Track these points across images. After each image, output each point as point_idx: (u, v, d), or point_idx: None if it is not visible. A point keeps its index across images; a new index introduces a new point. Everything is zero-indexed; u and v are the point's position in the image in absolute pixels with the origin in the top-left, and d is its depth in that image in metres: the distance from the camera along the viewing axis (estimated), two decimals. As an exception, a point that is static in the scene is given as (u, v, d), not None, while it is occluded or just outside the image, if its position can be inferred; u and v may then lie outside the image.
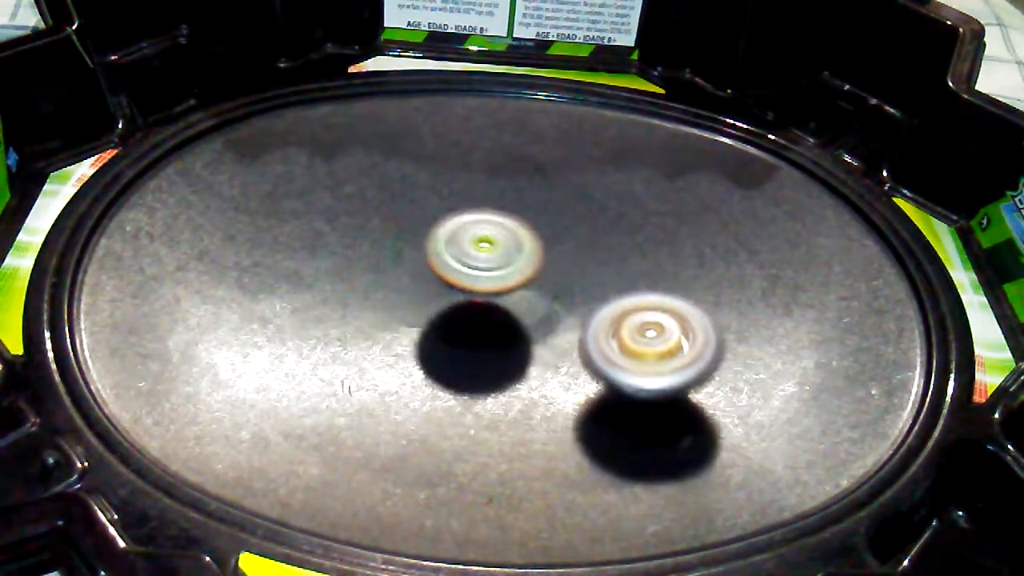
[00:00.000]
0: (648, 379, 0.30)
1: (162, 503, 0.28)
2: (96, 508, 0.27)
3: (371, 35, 0.48)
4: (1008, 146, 0.39)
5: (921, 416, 0.33)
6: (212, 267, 0.37)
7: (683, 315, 0.31)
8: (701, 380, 0.30)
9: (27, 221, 0.37)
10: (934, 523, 0.30)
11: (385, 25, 0.48)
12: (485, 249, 0.33)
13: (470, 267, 0.33)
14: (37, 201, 0.38)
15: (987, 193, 0.40)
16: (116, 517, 0.27)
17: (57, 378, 0.31)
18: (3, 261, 0.35)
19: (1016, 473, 0.30)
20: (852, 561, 0.28)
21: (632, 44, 0.48)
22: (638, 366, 0.30)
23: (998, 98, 0.40)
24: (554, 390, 0.34)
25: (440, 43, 0.48)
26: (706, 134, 0.45)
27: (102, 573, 0.25)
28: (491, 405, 0.33)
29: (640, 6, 0.47)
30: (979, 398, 0.33)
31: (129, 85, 0.43)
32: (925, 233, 0.40)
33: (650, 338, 0.30)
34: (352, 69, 0.47)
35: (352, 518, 0.29)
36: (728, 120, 0.45)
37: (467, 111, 0.45)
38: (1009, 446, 0.30)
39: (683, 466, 0.32)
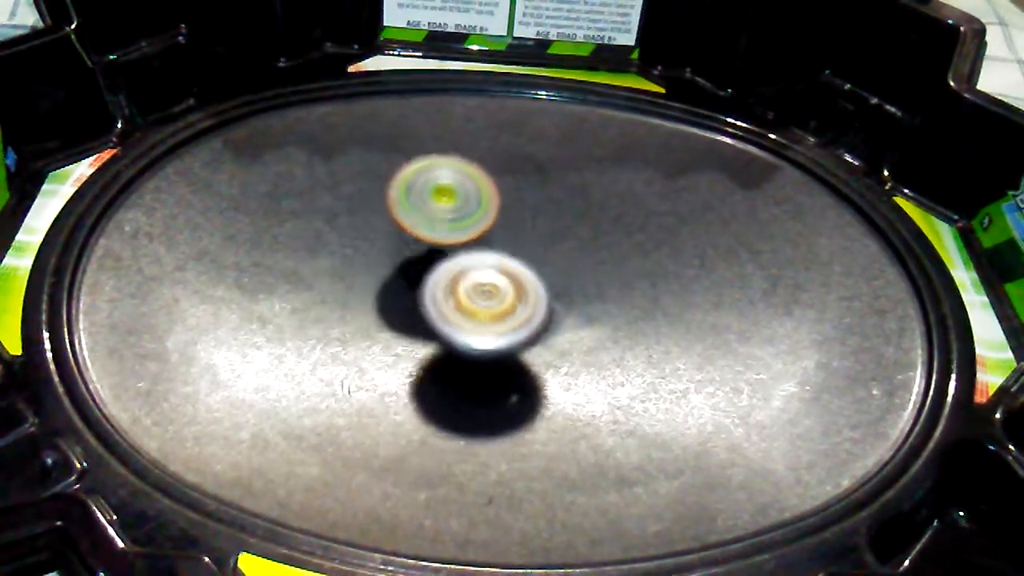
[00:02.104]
0: (480, 338, 0.31)
1: (161, 503, 0.28)
2: (95, 508, 0.27)
3: (371, 34, 0.48)
4: (1009, 145, 0.39)
5: (922, 416, 0.33)
6: (211, 267, 0.37)
7: (518, 278, 0.32)
8: (531, 342, 0.32)
9: (26, 221, 0.37)
10: (935, 523, 0.30)
11: (385, 24, 0.48)
12: (444, 200, 0.34)
13: (429, 218, 0.34)
14: (36, 201, 0.38)
15: (988, 192, 0.40)
16: (115, 517, 0.27)
17: (56, 378, 0.31)
18: (2, 261, 0.35)
19: (1017, 473, 0.30)
20: (853, 561, 0.28)
21: (632, 43, 0.48)
22: (472, 325, 0.31)
23: (999, 97, 0.40)
24: (554, 390, 0.34)
25: (440, 42, 0.48)
26: (707, 134, 0.45)
27: (101, 573, 0.25)
28: (491, 405, 0.33)
29: (640, 5, 0.47)
30: (980, 398, 0.33)
31: (128, 85, 0.43)
32: (926, 233, 0.40)
33: (485, 298, 0.31)
34: (351, 69, 0.47)
35: (351, 518, 0.29)
36: (729, 119, 0.45)
37: (467, 111, 0.45)
38: (1010, 446, 0.30)
39: (682, 466, 0.32)
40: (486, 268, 0.32)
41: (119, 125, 0.41)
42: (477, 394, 0.34)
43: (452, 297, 0.31)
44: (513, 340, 0.31)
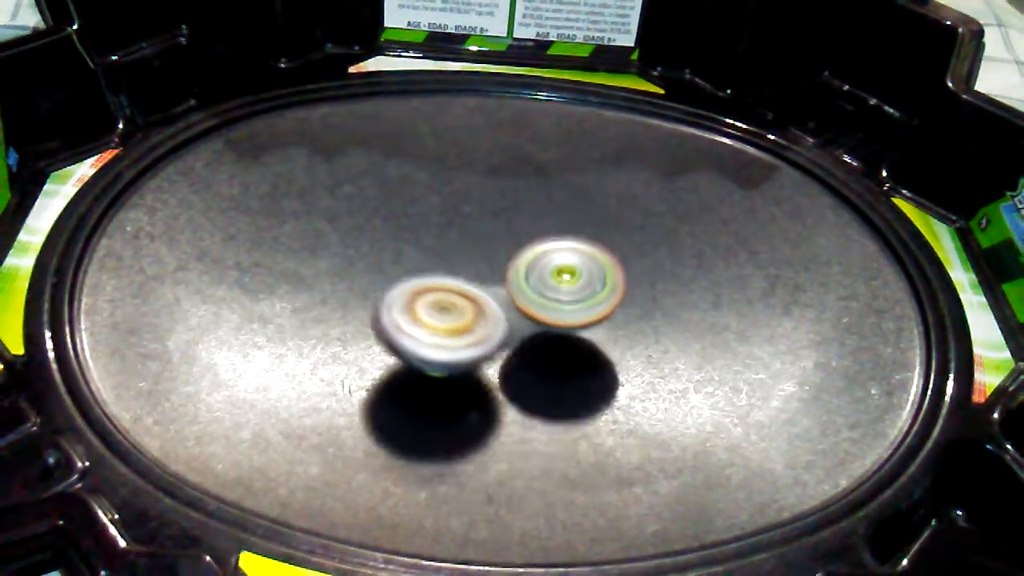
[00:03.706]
0: (437, 351, 0.30)
1: (162, 503, 0.28)
2: (97, 508, 0.27)
3: (371, 35, 0.48)
4: (1007, 146, 0.39)
5: (920, 416, 0.33)
6: (212, 267, 0.37)
7: (476, 299, 0.32)
8: (488, 358, 0.31)
9: (27, 221, 0.37)
10: (933, 523, 0.30)
11: (385, 25, 0.48)
12: (567, 281, 0.33)
13: (552, 300, 0.32)
14: (37, 201, 0.38)
15: (986, 193, 0.40)
16: (116, 516, 0.27)
17: (58, 378, 0.31)
18: (3, 261, 0.35)
19: (1015, 473, 0.30)
20: (851, 561, 0.28)
21: (632, 44, 0.48)
22: (429, 338, 0.30)
23: (997, 98, 0.40)
24: (555, 388, 0.34)
25: (440, 43, 0.48)
26: (706, 134, 0.45)
27: (103, 572, 0.25)
28: (490, 404, 0.33)
29: (640, 6, 0.47)
30: (978, 398, 0.33)
31: (129, 85, 0.43)
32: (924, 233, 0.40)
33: (443, 315, 0.31)
34: (352, 69, 0.47)
35: (352, 517, 0.29)
36: (728, 120, 0.45)
37: (467, 111, 0.45)
38: (1008, 446, 0.31)
39: (682, 466, 0.32)
40: (445, 289, 0.32)
41: (120, 125, 0.42)
42: (478, 391, 0.34)
43: (409, 313, 0.31)
44: (473, 354, 0.30)
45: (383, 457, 0.31)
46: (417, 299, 0.31)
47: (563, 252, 0.33)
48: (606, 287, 0.32)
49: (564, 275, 0.33)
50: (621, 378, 0.34)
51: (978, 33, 0.43)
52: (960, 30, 0.42)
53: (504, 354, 0.33)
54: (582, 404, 0.34)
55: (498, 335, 0.31)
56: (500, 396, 0.33)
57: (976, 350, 0.35)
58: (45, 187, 0.38)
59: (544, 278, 0.33)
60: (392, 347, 0.31)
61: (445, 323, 0.31)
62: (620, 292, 0.33)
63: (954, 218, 0.41)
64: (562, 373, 0.35)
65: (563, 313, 0.32)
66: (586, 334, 0.35)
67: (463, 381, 0.34)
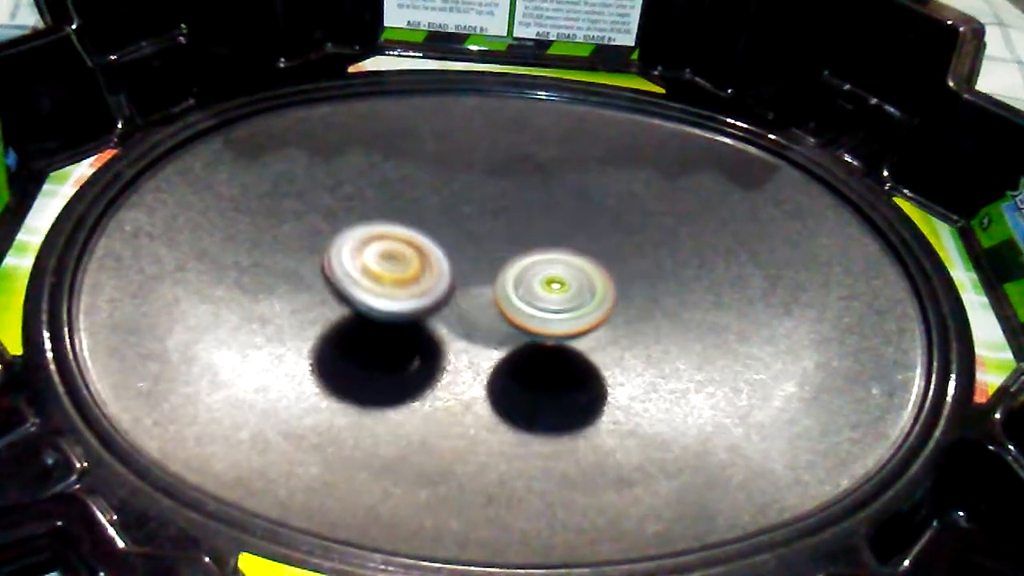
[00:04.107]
0: (382, 300, 0.31)
1: (161, 503, 0.28)
2: (95, 508, 0.27)
3: (371, 35, 0.48)
4: (1008, 146, 0.39)
5: (922, 416, 0.33)
6: (212, 267, 0.37)
7: (423, 250, 0.33)
8: (430, 310, 0.32)
9: (26, 221, 0.37)
10: (935, 524, 0.30)
11: (385, 25, 0.48)
12: (556, 291, 0.32)
13: (540, 309, 0.32)
14: (36, 201, 0.38)
15: (988, 193, 0.40)
16: (115, 517, 0.27)
17: (56, 378, 0.31)
18: (2, 261, 0.35)
19: (1017, 473, 0.30)
20: (852, 561, 0.28)
21: (632, 44, 0.48)
22: (376, 287, 0.31)
23: (998, 97, 0.40)
24: (554, 390, 0.34)
25: (440, 43, 0.48)
26: (706, 134, 0.45)
27: (101, 573, 0.25)
28: (491, 405, 0.33)
29: (640, 6, 0.47)
30: (980, 398, 0.33)
31: (128, 85, 0.43)
32: (926, 233, 0.40)
33: (390, 263, 0.32)
34: (352, 69, 0.47)
35: (352, 518, 0.29)
36: (728, 120, 0.45)
37: (467, 111, 0.45)
38: (1010, 446, 0.30)
39: (682, 466, 0.32)
40: (395, 238, 0.32)
41: (119, 125, 0.42)
42: (479, 392, 0.34)
43: (358, 259, 0.31)
44: (416, 305, 0.31)
45: (383, 457, 0.31)
46: (366, 246, 0.32)
47: (552, 263, 0.33)
48: (595, 298, 0.32)
49: (553, 285, 0.32)
50: (621, 378, 0.34)
51: (979, 32, 0.43)
52: (961, 29, 0.42)
53: (450, 308, 0.34)
54: (582, 404, 0.34)
55: (441, 288, 0.32)
56: (501, 396, 0.33)
57: (978, 350, 0.35)
58: (44, 187, 0.38)
59: (532, 288, 0.32)
60: (338, 293, 0.31)
61: (391, 272, 0.31)
62: (610, 303, 0.32)
63: (955, 218, 0.41)
64: (562, 374, 0.35)
65: (551, 323, 0.32)
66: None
67: (463, 382, 0.34)
